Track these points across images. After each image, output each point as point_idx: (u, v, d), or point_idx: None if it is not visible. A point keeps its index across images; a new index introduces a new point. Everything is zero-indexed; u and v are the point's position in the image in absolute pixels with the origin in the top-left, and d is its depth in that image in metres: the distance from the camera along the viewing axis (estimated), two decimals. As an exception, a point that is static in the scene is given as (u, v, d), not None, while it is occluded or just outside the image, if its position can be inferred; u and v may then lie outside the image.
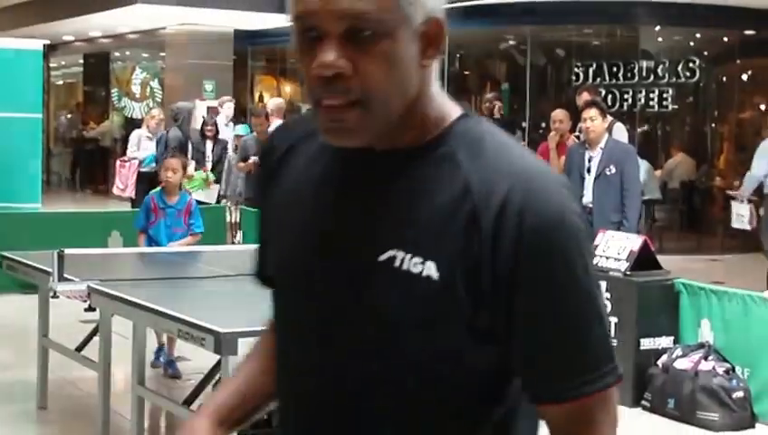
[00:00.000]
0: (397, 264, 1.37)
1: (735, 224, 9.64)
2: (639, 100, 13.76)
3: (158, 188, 6.94)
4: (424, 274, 1.36)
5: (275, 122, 11.36)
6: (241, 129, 12.24)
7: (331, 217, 1.45)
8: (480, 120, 1.47)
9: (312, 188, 1.48)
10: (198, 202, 7.70)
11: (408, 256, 1.37)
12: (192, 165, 11.13)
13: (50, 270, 5.13)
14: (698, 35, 14.80)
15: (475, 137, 1.42)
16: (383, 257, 1.38)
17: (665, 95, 13.74)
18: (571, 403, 1.38)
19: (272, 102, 12.57)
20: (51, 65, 23.98)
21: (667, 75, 13.75)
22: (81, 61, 23.93)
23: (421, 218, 1.38)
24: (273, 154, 1.57)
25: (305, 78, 1.38)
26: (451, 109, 1.46)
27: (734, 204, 9.56)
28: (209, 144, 11.21)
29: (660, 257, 6.71)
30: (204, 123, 11.65)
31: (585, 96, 8.63)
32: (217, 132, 11.49)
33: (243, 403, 1.65)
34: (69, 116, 23.43)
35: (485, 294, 1.35)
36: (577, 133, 8.62)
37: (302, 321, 1.49)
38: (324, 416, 1.46)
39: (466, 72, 18.16)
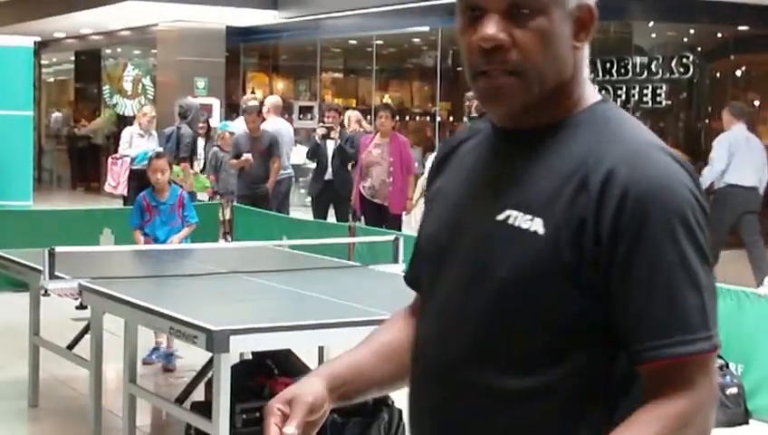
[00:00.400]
0: (510, 221, 1.52)
1: None
2: (633, 96, 13.75)
3: (149, 188, 6.95)
4: (531, 229, 1.49)
5: (272, 119, 11.36)
6: (223, 126, 12.22)
7: (468, 191, 1.62)
8: (615, 106, 1.60)
9: (463, 175, 1.66)
10: (192, 198, 7.70)
11: (521, 214, 1.51)
12: (199, 164, 11.15)
13: (41, 268, 5.10)
14: (692, 31, 14.79)
15: (604, 118, 1.55)
16: (501, 217, 1.53)
17: (658, 91, 13.72)
18: (667, 363, 1.43)
19: (268, 100, 12.58)
20: (42, 62, 23.92)
21: (660, 71, 13.73)
22: (73, 58, 23.88)
23: (538, 183, 1.52)
24: (436, 160, 1.77)
25: (464, 53, 1.54)
26: (592, 95, 1.59)
27: None
28: (201, 141, 11.18)
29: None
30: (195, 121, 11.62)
31: None
32: (209, 129, 11.46)
33: (356, 381, 1.71)
34: (58, 114, 23.37)
35: (587, 252, 1.45)
36: None
37: (435, 292, 1.64)
38: (447, 380, 1.58)
39: (459, 69, 18.14)
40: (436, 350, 1.60)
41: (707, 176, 9.38)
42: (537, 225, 1.49)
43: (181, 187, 7.60)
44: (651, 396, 1.45)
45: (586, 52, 1.59)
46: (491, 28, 1.50)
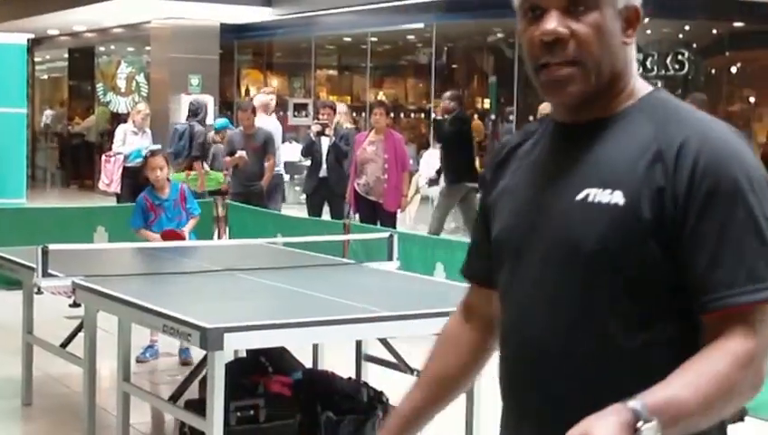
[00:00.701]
0: (590, 199, 1.65)
1: None
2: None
3: (148, 187, 6.93)
4: (612, 202, 1.63)
5: (261, 118, 11.32)
6: (225, 123, 12.19)
7: (540, 181, 1.75)
8: (666, 93, 1.77)
9: (529, 171, 1.79)
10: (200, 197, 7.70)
11: (599, 190, 1.65)
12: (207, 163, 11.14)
13: (34, 266, 5.08)
14: (687, 27, 14.80)
15: (661, 103, 1.72)
16: (580, 197, 1.67)
17: (653, 88, 13.74)
18: (735, 310, 1.57)
19: (257, 99, 12.55)
20: (35, 60, 23.86)
21: (655, 68, 13.73)
22: (66, 55, 23.82)
23: (611, 161, 1.67)
24: (494, 159, 1.90)
25: (527, 49, 1.72)
26: (643, 87, 1.76)
27: None
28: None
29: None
30: (189, 118, 11.58)
31: None
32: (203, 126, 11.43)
33: (418, 425, 2.00)
34: (49, 112, 23.32)
35: (667, 215, 1.61)
36: None
37: (519, 278, 1.76)
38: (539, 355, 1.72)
39: (454, 66, 18.14)
40: (531, 329, 1.73)
41: None
42: (617, 197, 1.64)
43: (179, 182, 7.61)
44: (716, 340, 1.58)
45: (634, 49, 1.76)
46: (551, 23, 1.67)
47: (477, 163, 12.40)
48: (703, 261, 1.60)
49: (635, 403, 1.50)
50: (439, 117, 11.95)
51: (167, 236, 6.72)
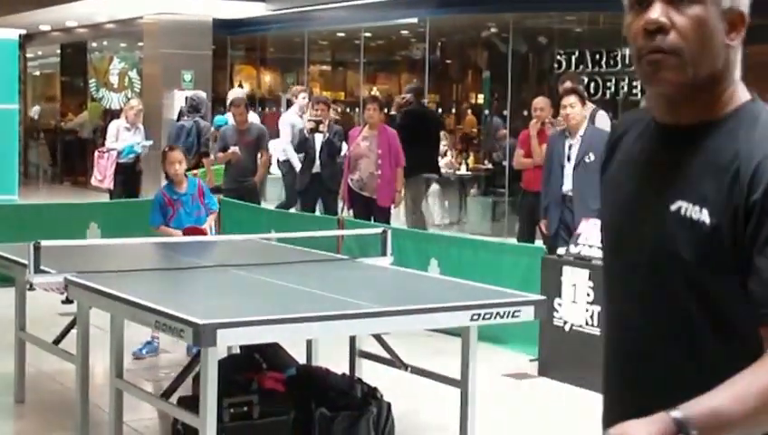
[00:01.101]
0: (682, 212, 1.75)
1: None
2: (622, 88, 13.72)
3: (166, 183, 6.92)
4: (701, 220, 1.72)
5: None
6: (222, 120, 12.15)
7: (639, 182, 1.86)
8: (763, 104, 1.81)
9: (630, 166, 1.89)
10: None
11: (690, 205, 1.74)
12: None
13: (26, 262, 5.06)
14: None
15: (755, 116, 1.77)
16: (674, 208, 1.76)
17: (647, 83, 13.71)
18: None
19: (231, 93, 12.67)
20: (27, 56, 23.78)
21: (649, 62, 13.72)
22: (58, 51, 23.74)
23: (700, 176, 1.74)
24: (610, 139, 1.99)
25: (631, 40, 1.79)
26: (743, 93, 1.81)
27: None
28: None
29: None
30: (180, 113, 11.54)
31: (567, 84, 8.58)
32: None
33: None
34: (37, 108, 23.25)
35: (740, 233, 1.68)
36: (551, 120, 8.58)
37: (617, 275, 1.90)
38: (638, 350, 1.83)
39: (448, 61, 18.12)
40: (629, 330, 1.85)
41: None
42: (705, 216, 1.72)
43: (196, 176, 7.66)
44: None
45: (738, 55, 1.81)
46: (654, 13, 1.75)
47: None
48: (764, 275, 1.66)
49: (678, 414, 1.56)
50: (393, 112, 12.17)
51: (189, 233, 6.70)
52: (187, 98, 12.34)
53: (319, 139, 10.37)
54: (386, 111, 10.65)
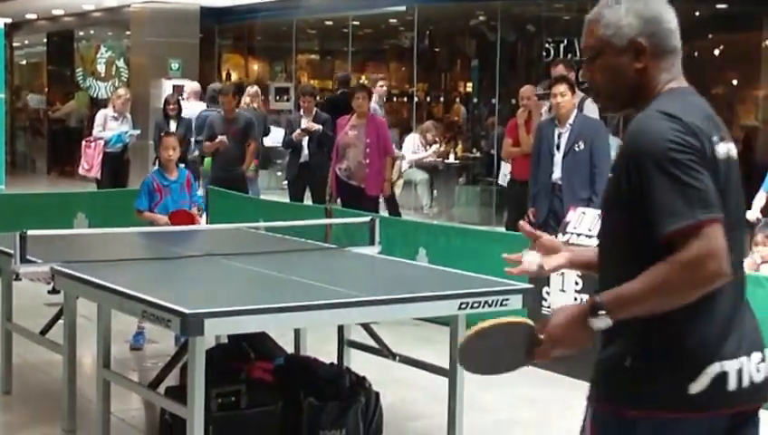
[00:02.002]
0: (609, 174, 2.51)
1: (501, 181, 11.52)
2: (611, 76, 13.72)
3: (156, 168, 6.91)
4: (611, 177, 2.43)
5: (192, 104, 11.38)
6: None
7: None
8: (672, 90, 2.47)
9: None
10: None
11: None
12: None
13: (12, 252, 5.03)
14: (669, 10, 14.76)
15: (655, 100, 2.43)
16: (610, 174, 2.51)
17: (636, 71, 13.71)
18: (671, 236, 2.25)
19: (188, 85, 12.73)
20: (14, 44, 23.66)
21: (638, 51, 13.71)
22: (45, 40, 23.63)
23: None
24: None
25: None
26: (665, 87, 2.47)
27: (503, 164, 11.14)
28: (173, 123, 11.04)
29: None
30: (166, 102, 11.48)
31: (560, 69, 8.58)
32: (180, 111, 11.32)
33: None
34: (29, 96, 23.14)
35: (625, 186, 2.34)
36: (540, 93, 8.58)
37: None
38: None
39: (436, 49, 18.09)
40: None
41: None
42: (613, 179, 2.41)
43: (186, 168, 7.69)
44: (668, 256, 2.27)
45: (659, 66, 2.48)
46: (582, 74, 2.66)
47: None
48: (648, 210, 2.29)
49: (597, 298, 2.34)
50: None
51: (177, 216, 6.66)
52: (208, 88, 12.40)
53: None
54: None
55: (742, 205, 2.46)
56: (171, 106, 11.16)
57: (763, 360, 2.39)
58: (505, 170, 11.82)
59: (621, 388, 2.35)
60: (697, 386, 2.28)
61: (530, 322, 2.51)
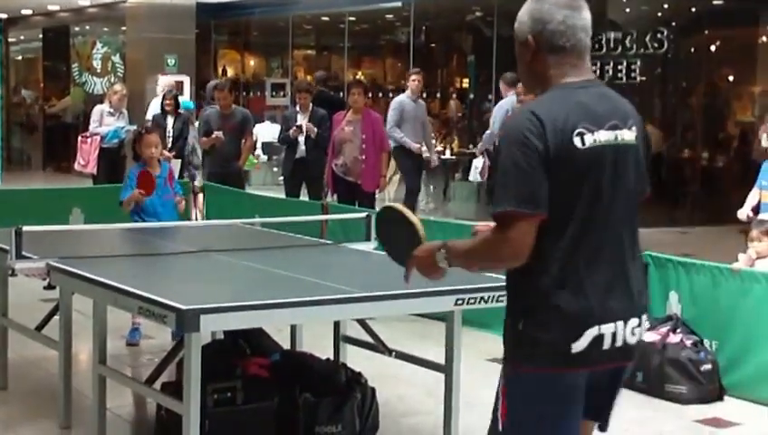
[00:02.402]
0: None
1: (471, 177, 11.97)
2: (607, 71, 13.71)
3: (139, 164, 6.90)
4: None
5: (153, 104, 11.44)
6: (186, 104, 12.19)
7: None
8: (554, 88, 2.83)
9: None
10: None
11: None
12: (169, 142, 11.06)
13: (7, 248, 5.01)
14: (666, 5, 14.78)
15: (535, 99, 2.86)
16: None
17: (632, 66, 13.70)
18: (493, 216, 2.74)
19: (162, 80, 12.84)
20: (9, 40, 23.63)
21: (634, 46, 13.70)
22: (41, 35, 23.59)
23: None
24: None
25: None
26: (558, 84, 2.83)
27: (474, 160, 11.37)
28: (170, 119, 11.01)
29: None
30: (163, 97, 11.46)
31: None
32: (177, 106, 11.29)
33: None
34: (25, 92, 23.12)
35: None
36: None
37: None
38: None
39: (432, 45, 18.08)
40: None
41: (486, 140, 11.13)
42: None
43: (168, 161, 7.68)
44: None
45: (550, 61, 2.84)
46: None
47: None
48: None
49: (450, 242, 2.89)
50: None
51: (142, 178, 6.66)
52: (207, 87, 12.52)
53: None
54: (369, 94, 10.61)
55: (629, 182, 2.81)
56: (168, 101, 11.12)
57: (639, 325, 2.83)
58: (477, 164, 11.95)
59: (517, 348, 2.80)
60: (578, 346, 2.72)
61: (421, 235, 3.01)
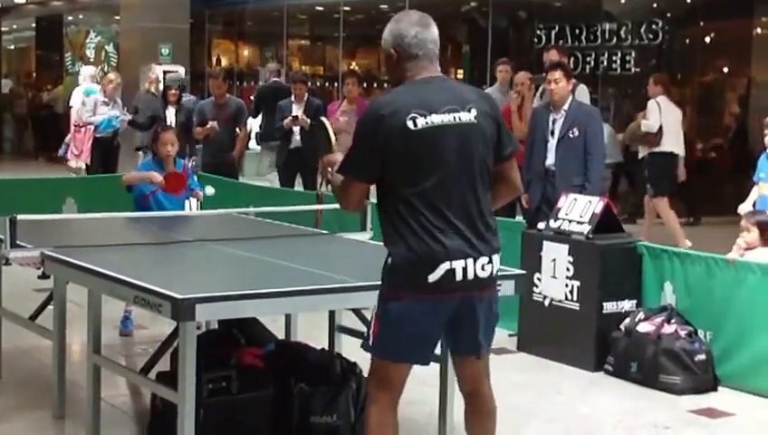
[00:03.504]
0: None
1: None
2: (602, 62, 13.70)
3: (150, 159, 6.91)
4: None
5: (84, 88, 11.37)
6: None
7: None
8: (398, 87, 3.71)
9: None
10: None
11: None
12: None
13: (2, 237, 5.00)
14: (661, -3, 14.75)
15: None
16: None
17: (627, 58, 13.69)
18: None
19: (84, 70, 12.83)
20: (2, 29, 23.55)
21: (629, 37, 13.68)
22: (34, 24, 23.51)
23: None
24: None
25: None
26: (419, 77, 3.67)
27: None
28: (171, 110, 10.94)
29: (625, 223, 6.68)
30: (166, 88, 11.35)
31: (553, 54, 8.54)
32: (180, 97, 11.21)
33: None
34: (4, 81, 23.03)
35: None
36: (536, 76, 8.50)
37: None
38: None
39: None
40: None
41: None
42: None
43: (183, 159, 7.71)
44: None
45: (407, 65, 3.67)
46: None
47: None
48: None
49: (341, 168, 3.77)
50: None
51: (170, 179, 6.65)
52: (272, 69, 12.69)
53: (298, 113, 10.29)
54: (364, 85, 10.58)
55: (476, 151, 3.60)
56: (173, 92, 10.90)
57: (489, 262, 3.60)
58: None
59: (387, 276, 3.61)
60: (433, 277, 3.51)
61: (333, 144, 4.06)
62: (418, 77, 3.62)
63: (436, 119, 3.54)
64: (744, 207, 7.41)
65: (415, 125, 3.51)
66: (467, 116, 3.59)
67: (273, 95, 11.43)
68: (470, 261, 3.55)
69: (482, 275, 3.59)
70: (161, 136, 6.87)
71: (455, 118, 3.56)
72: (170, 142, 6.81)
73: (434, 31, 3.70)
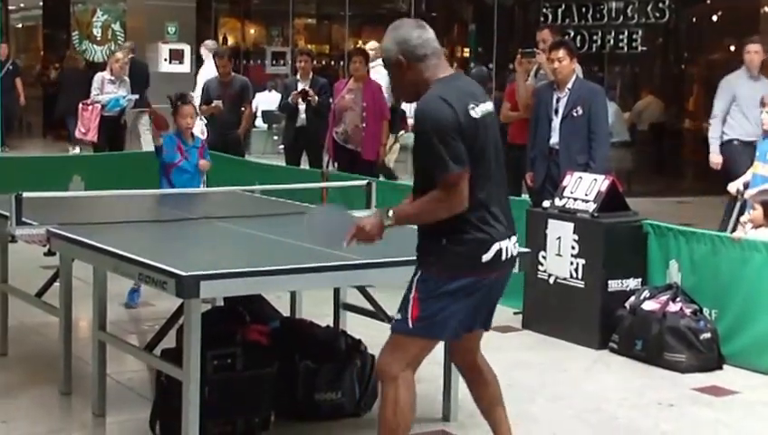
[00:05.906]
0: None
1: None
2: (609, 41, 13.64)
3: (173, 132, 7.11)
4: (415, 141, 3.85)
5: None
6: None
7: None
8: (439, 80, 3.73)
9: None
10: None
11: None
12: None
13: (8, 214, 5.01)
14: (668, -25, 14.67)
15: (428, 92, 3.72)
16: None
17: (634, 36, 13.62)
18: (436, 180, 3.67)
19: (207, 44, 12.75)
20: (9, 8, 23.50)
21: (636, 16, 13.61)
22: (41, 3, 23.47)
23: None
24: None
25: None
26: (435, 80, 3.75)
27: None
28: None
29: (629, 200, 6.67)
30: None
31: (546, 34, 8.50)
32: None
33: None
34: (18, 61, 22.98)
35: (418, 145, 3.78)
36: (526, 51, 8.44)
37: None
38: None
39: (434, 14, 17.98)
40: None
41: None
42: None
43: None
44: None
45: (421, 67, 3.73)
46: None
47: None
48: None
49: (391, 210, 3.76)
50: None
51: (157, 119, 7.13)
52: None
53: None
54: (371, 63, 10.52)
55: (498, 140, 3.82)
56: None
57: (516, 242, 3.83)
58: None
59: (440, 258, 3.70)
60: (486, 257, 3.69)
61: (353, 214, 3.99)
62: (442, 75, 3.73)
63: (483, 108, 3.71)
64: (734, 186, 7.39)
65: (476, 113, 3.67)
66: (491, 106, 3.81)
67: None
68: (509, 241, 3.77)
69: (514, 253, 3.81)
70: (181, 108, 7.10)
71: (490, 107, 3.78)
72: (189, 115, 7.06)
73: (431, 31, 3.82)
